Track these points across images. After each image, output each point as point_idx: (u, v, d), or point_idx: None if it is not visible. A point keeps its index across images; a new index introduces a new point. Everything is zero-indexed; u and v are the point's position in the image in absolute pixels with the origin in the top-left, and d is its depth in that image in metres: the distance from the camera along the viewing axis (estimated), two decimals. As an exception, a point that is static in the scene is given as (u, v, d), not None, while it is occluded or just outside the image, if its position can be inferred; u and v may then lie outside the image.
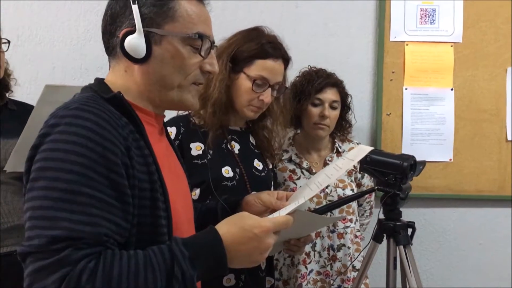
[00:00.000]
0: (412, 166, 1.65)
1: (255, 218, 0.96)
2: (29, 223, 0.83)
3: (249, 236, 0.93)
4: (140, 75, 1.01)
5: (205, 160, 1.60)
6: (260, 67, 1.59)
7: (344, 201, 1.71)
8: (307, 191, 1.21)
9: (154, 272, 0.84)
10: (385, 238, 1.74)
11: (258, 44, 1.59)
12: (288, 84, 1.80)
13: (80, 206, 0.82)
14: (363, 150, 1.29)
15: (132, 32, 0.97)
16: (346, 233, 1.98)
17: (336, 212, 1.96)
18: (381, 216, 1.73)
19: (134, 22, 0.97)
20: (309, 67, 2.06)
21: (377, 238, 1.73)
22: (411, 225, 1.70)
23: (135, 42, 0.97)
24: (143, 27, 0.97)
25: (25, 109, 1.84)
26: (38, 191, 0.83)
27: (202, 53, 1.02)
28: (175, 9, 0.99)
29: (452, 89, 2.37)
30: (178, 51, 0.99)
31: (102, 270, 0.81)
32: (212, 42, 1.05)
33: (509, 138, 2.38)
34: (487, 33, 2.37)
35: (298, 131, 2.13)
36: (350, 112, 2.11)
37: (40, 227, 0.81)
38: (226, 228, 0.94)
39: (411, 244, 1.71)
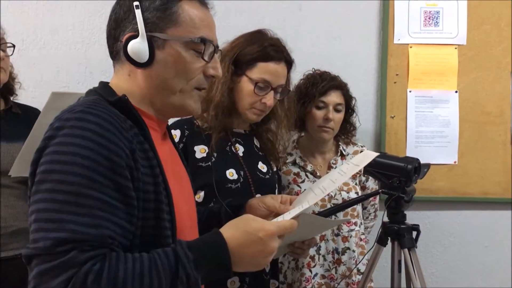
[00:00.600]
0: (417, 168, 1.65)
1: (259, 221, 0.96)
2: (34, 226, 0.83)
3: (253, 240, 0.93)
4: (143, 79, 1.01)
5: (209, 162, 1.60)
6: (262, 70, 1.59)
7: (348, 204, 1.70)
8: (311, 195, 1.20)
9: (159, 275, 0.84)
10: (389, 241, 1.74)
11: (261, 46, 1.59)
12: (292, 87, 1.80)
13: (85, 209, 0.82)
14: (368, 155, 1.29)
15: (135, 36, 0.98)
16: (350, 236, 1.98)
17: (340, 215, 1.96)
18: (386, 219, 1.72)
19: (137, 27, 0.97)
20: (313, 70, 2.06)
21: (381, 241, 1.73)
22: (415, 228, 1.69)
23: (138, 46, 0.98)
24: (146, 31, 0.98)
25: (29, 113, 1.85)
26: (43, 193, 0.84)
27: (206, 58, 1.02)
28: (178, 13, 1.00)
29: (456, 92, 2.37)
30: (181, 55, 1.00)
31: (107, 272, 0.81)
32: (216, 47, 1.05)
33: (513, 140, 2.38)
34: (491, 35, 2.37)
35: (302, 134, 2.12)
36: (354, 115, 2.10)
37: (45, 230, 0.81)
38: (231, 231, 0.94)
39: (416, 247, 1.70)
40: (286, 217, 1.05)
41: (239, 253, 0.92)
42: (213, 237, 0.93)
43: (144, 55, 0.98)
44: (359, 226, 2.03)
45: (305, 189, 1.96)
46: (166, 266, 0.86)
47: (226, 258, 0.91)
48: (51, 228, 0.81)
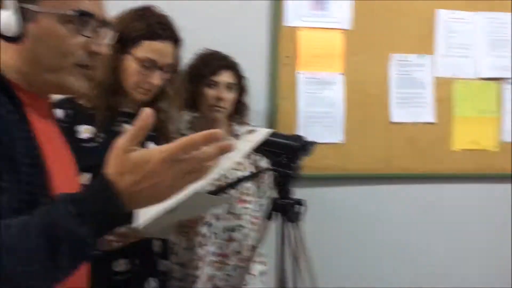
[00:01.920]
0: (303, 146, 1.72)
1: (140, 154, 0.80)
2: None
3: (145, 175, 0.79)
4: (16, 54, 0.93)
5: (96, 143, 1.54)
6: (147, 49, 1.55)
7: (236, 181, 1.74)
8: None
9: (29, 243, 0.74)
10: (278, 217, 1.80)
11: (146, 24, 1.55)
12: (183, 67, 1.78)
13: None
14: (263, 132, 1.31)
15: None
16: (243, 214, 2.02)
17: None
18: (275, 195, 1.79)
19: None
20: (204, 49, 2.06)
21: (269, 216, 1.79)
22: (301, 202, 1.78)
23: (5, 17, 0.90)
24: (18, 2, 0.90)
25: None
26: None
27: (85, 33, 0.95)
28: None
29: (342, 74, 2.49)
30: (55, 30, 0.93)
31: None
32: (102, 20, 0.99)
33: (391, 120, 2.56)
34: (374, 21, 2.50)
35: (196, 114, 2.12)
36: (246, 95, 2.14)
37: None
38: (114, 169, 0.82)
39: (301, 221, 1.78)
40: None
41: (134, 192, 0.79)
42: (96, 180, 0.82)
43: (13, 28, 0.90)
44: (254, 205, 2.08)
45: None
46: (40, 230, 0.75)
47: (110, 194, 0.79)
48: None
